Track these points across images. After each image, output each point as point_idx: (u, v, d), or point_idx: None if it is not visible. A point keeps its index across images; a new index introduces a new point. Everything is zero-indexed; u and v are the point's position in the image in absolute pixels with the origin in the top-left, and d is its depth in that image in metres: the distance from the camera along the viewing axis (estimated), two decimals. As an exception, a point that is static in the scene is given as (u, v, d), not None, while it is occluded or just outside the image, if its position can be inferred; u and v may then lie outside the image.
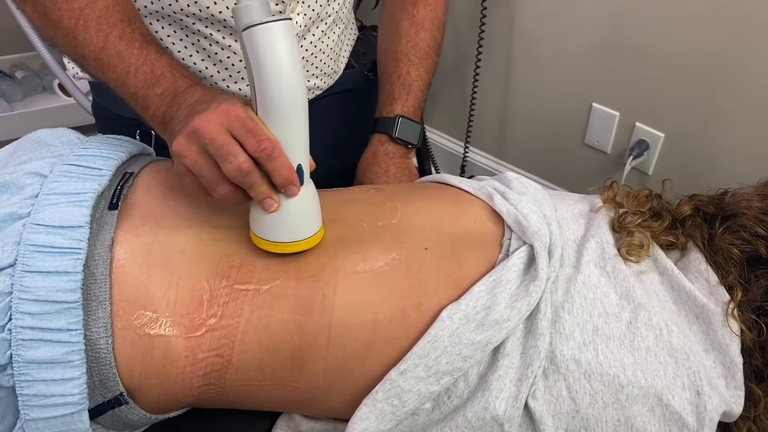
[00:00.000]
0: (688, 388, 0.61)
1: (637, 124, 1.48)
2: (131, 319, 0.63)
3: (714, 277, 0.66)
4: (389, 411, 0.63)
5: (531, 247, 0.66)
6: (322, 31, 0.93)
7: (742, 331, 0.63)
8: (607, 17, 1.40)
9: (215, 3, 0.81)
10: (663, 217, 0.70)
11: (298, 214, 0.67)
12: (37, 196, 0.66)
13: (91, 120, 1.69)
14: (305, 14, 0.88)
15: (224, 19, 0.83)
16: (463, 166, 1.83)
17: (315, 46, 0.93)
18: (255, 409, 0.72)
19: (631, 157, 1.49)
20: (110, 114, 0.96)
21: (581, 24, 1.45)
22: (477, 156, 1.87)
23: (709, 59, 1.27)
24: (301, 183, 0.67)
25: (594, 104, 1.54)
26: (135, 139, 0.82)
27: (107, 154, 0.73)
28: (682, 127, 1.40)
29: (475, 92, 1.65)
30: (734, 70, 1.24)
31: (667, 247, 0.69)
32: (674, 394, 0.61)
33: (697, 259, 0.68)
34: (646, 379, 0.61)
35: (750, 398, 0.63)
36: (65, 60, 0.96)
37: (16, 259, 0.61)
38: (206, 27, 0.85)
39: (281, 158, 0.63)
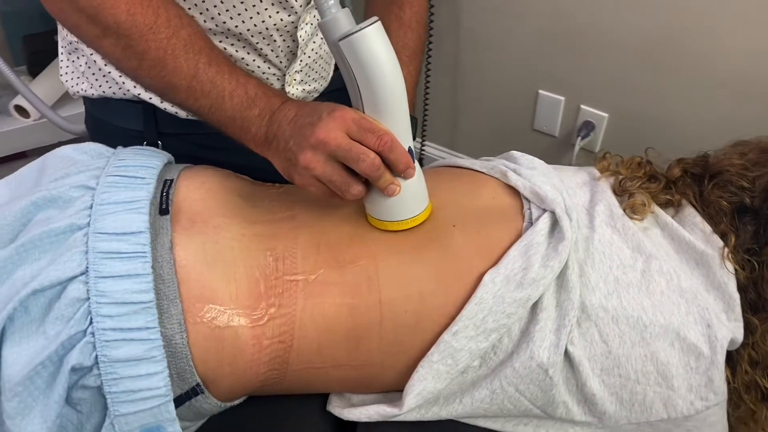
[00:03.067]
0: (699, 322, 0.71)
1: (582, 106, 1.59)
2: (201, 314, 0.67)
3: (708, 227, 0.76)
4: (444, 370, 0.70)
5: (552, 213, 0.74)
6: (321, 38, 0.99)
7: (736, 270, 0.73)
8: (547, 8, 1.50)
9: (231, 18, 0.86)
10: (658, 180, 0.80)
11: (416, 191, 0.75)
12: (91, 207, 0.70)
13: (52, 140, 1.68)
14: (312, 24, 0.94)
15: (239, 33, 0.87)
16: (420, 160, 1.91)
17: (316, 53, 0.99)
18: (311, 392, 0.77)
19: (580, 138, 1.60)
20: (113, 128, 0.98)
21: (523, 16, 1.55)
22: (432, 149, 1.95)
23: (645, 42, 1.39)
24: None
25: (540, 91, 1.65)
26: None
27: (145, 163, 0.77)
28: (624, 107, 1.52)
29: (427, 89, 1.74)
30: (669, 50, 1.36)
31: (664, 205, 0.79)
32: (689, 328, 0.70)
33: (691, 213, 0.78)
34: (665, 318, 0.70)
35: (748, 327, 0.73)
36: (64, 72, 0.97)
37: (87, 267, 0.65)
38: (220, 42, 0.89)
39: (400, 147, 0.70)
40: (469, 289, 0.71)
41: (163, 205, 0.73)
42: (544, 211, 0.75)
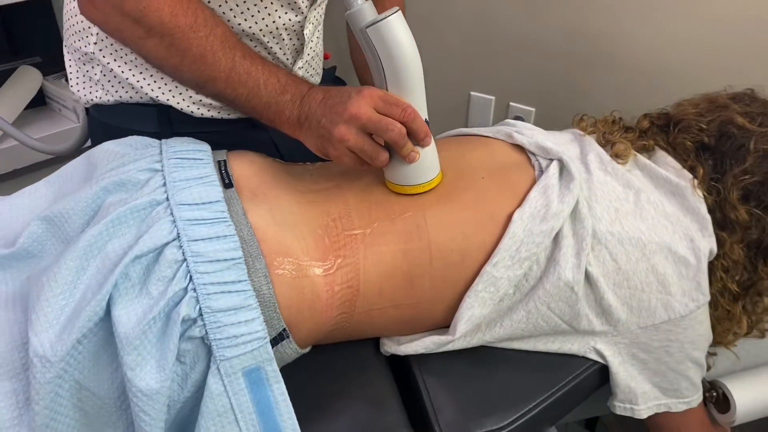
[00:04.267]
0: (684, 239, 0.87)
1: (511, 103, 1.77)
2: (282, 266, 0.76)
3: (678, 164, 0.92)
4: (488, 297, 0.82)
5: (559, 161, 0.88)
6: (317, 37, 1.09)
7: (704, 196, 0.90)
8: (473, 16, 1.68)
9: (245, 20, 0.95)
10: (633, 130, 0.97)
11: (431, 157, 0.86)
12: (164, 185, 0.77)
13: (6, 169, 1.68)
14: (312, 23, 1.04)
15: (252, 33, 0.96)
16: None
17: (313, 50, 1.09)
18: (370, 336, 0.88)
19: (512, 132, 1.78)
20: (127, 132, 1.02)
21: (453, 25, 1.72)
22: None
23: (562, 40, 1.58)
24: None
25: (472, 93, 1.82)
26: None
27: (197, 148, 0.85)
28: (548, 100, 1.71)
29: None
30: (584, 46, 1.56)
31: (640, 150, 0.95)
32: (677, 244, 0.86)
33: (663, 155, 0.94)
34: (658, 237, 0.86)
35: (718, 242, 0.89)
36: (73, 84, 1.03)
37: (178, 234, 0.73)
38: None
39: (420, 118, 0.81)
40: (501, 227, 0.84)
41: (226, 181, 0.82)
42: (551, 160, 0.89)
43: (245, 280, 0.73)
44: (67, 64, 1.05)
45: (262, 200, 0.82)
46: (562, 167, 0.88)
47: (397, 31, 0.79)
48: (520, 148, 0.94)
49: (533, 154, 0.92)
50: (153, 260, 0.72)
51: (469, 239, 0.83)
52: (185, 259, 0.72)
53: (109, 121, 1.06)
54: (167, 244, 0.72)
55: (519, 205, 0.85)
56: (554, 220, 0.83)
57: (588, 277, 0.84)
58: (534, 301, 0.84)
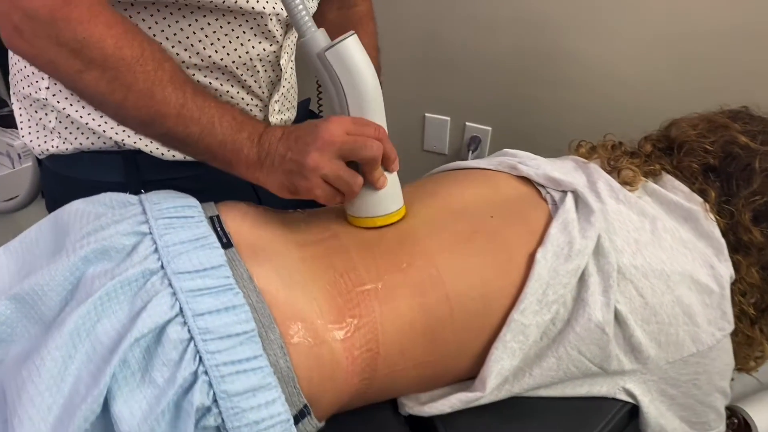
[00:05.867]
0: (704, 265, 0.83)
1: (467, 123, 1.75)
2: (298, 334, 0.68)
3: (686, 188, 0.89)
4: (517, 347, 0.76)
5: (573, 192, 0.83)
6: (291, 68, 1.02)
7: (717, 219, 0.87)
8: (425, 37, 1.65)
9: (216, 51, 0.86)
10: (638, 155, 0.93)
11: (396, 184, 0.82)
12: (156, 251, 0.68)
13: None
14: (287, 53, 0.96)
15: (225, 66, 0.88)
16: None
17: (288, 82, 1.01)
18: (390, 398, 0.80)
19: (470, 152, 1.75)
20: (89, 183, 0.91)
21: (404, 46, 1.68)
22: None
23: (517, 59, 1.56)
24: None
25: (427, 114, 1.78)
26: None
27: (184, 204, 0.76)
28: (503, 118, 1.69)
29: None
30: (539, 65, 1.55)
31: (646, 176, 0.91)
32: (698, 272, 0.82)
33: (670, 179, 0.91)
34: (680, 266, 0.82)
35: (734, 265, 0.87)
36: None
37: (181, 308, 0.63)
38: (205, 76, 0.89)
39: (389, 140, 0.78)
40: (522, 269, 0.78)
41: (224, 240, 0.72)
42: (564, 192, 0.84)
43: (261, 355, 0.64)
44: (16, 112, 0.94)
45: (264, 258, 0.73)
46: (577, 199, 0.83)
47: (356, 53, 0.77)
48: (525, 180, 0.89)
49: (542, 186, 0.87)
50: (154, 341, 0.63)
51: (488, 285, 0.77)
52: (192, 338, 0.62)
53: (67, 173, 0.95)
54: (169, 321, 0.63)
55: (538, 243, 0.79)
56: (579, 258, 0.78)
57: (617, 315, 0.79)
58: (564, 346, 0.78)
